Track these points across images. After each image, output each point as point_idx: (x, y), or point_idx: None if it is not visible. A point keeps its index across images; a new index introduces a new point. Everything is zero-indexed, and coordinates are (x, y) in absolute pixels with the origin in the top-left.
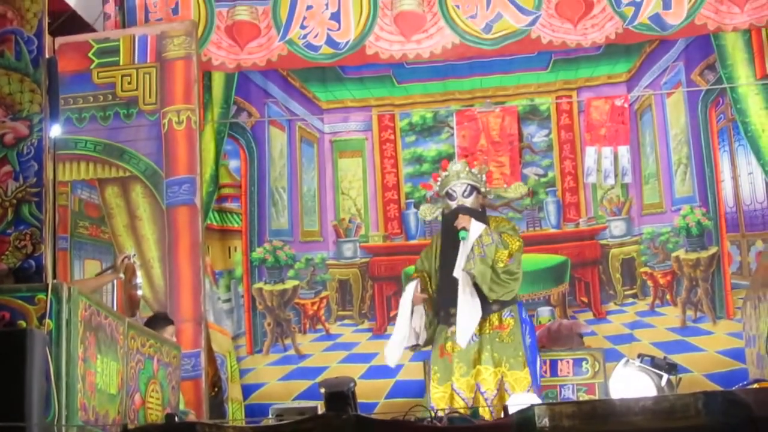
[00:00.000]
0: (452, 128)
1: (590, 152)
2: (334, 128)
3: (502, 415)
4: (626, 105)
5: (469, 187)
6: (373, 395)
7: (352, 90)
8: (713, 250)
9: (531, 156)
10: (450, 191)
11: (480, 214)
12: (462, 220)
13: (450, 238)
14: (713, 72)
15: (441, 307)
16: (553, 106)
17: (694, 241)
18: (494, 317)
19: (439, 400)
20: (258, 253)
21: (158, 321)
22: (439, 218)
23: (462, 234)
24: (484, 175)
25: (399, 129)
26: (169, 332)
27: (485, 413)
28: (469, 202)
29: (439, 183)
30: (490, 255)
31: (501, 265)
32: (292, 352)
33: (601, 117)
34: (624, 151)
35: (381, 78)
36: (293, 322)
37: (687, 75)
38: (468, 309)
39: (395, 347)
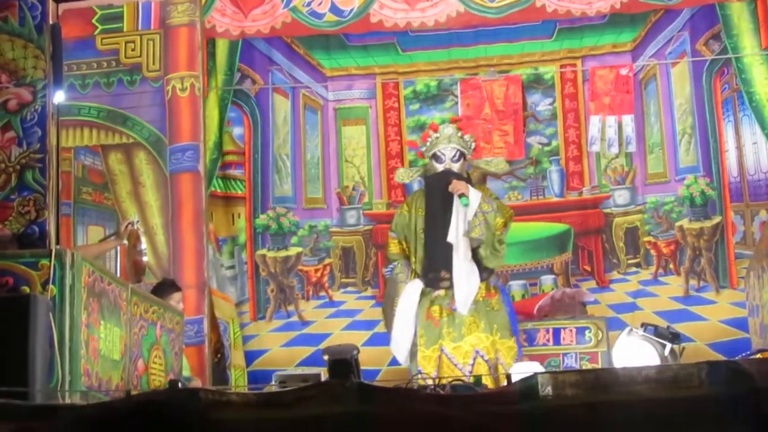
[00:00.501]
0: (456, 96)
1: (594, 121)
2: (338, 96)
3: (505, 383)
4: (631, 74)
5: (458, 153)
6: (376, 362)
7: (357, 58)
8: (717, 219)
9: (535, 125)
10: (439, 153)
11: (468, 181)
12: (459, 186)
13: (438, 200)
14: (718, 42)
15: (429, 269)
16: (557, 74)
17: (697, 211)
18: (483, 286)
19: (425, 362)
20: (261, 219)
21: (166, 287)
22: (416, 181)
23: (464, 200)
24: (473, 143)
25: (403, 97)
26: (176, 299)
27: (488, 381)
28: (456, 167)
29: (428, 143)
30: (491, 222)
31: (498, 233)
32: (295, 318)
33: (605, 86)
34: (628, 120)
35: (385, 46)
36: (296, 288)
37: (692, 45)
38: (467, 276)
39: (404, 344)
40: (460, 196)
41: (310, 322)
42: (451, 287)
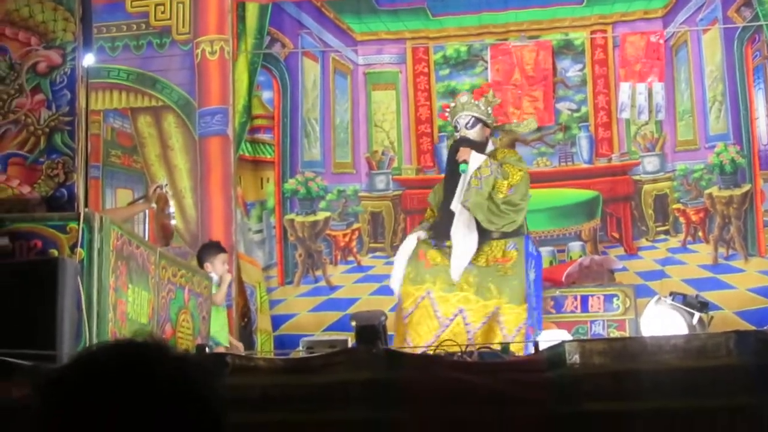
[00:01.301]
0: (486, 62)
1: (624, 88)
2: (368, 60)
3: (533, 351)
4: (661, 41)
5: (472, 119)
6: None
7: (387, 22)
8: (746, 187)
9: (564, 91)
10: (455, 123)
11: (481, 145)
12: (462, 153)
13: (450, 169)
14: (750, 9)
15: (436, 235)
16: (587, 40)
17: (727, 179)
18: (496, 249)
19: (405, 297)
20: (290, 184)
21: (211, 249)
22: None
23: (462, 167)
24: (490, 108)
25: (433, 62)
26: (221, 260)
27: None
28: (472, 133)
29: (448, 115)
30: (488, 186)
31: (501, 195)
32: (323, 283)
33: (636, 53)
34: (658, 87)
35: (416, 10)
36: (324, 253)
37: (723, 12)
38: (462, 243)
39: (396, 277)
40: (461, 163)
41: (337, 287)
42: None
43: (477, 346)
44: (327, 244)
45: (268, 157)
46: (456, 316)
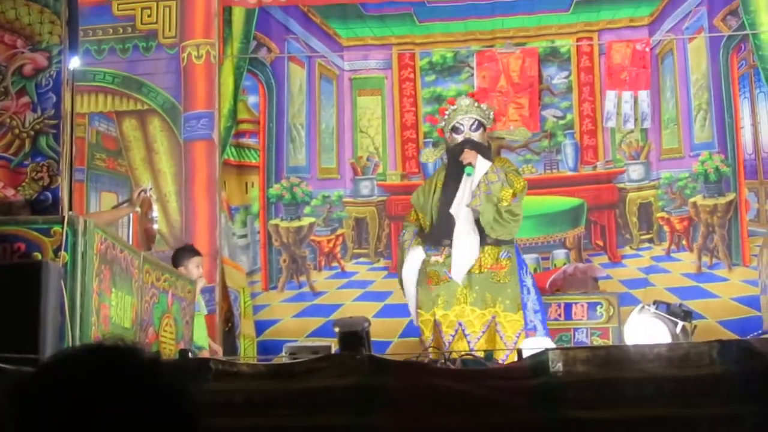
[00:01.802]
0: (472, 68)
1: (610, 96)
2: (354, 66)
3: (516, 359)
4: (647, 49)
5: (476, 122)
6: (387, 334)
7: (373, 28)
8: (731, 196)
9: (550, 98)
10: (457, 125)
11: (486, 150)
12: (468, 155)
13: (454, 170)
14: (736, 18)
15: (433, 237)
16: (573, 48)
17: (711, 187)
18: (489, 256)
19: (424, 326)
20: (275, 189)
21: (185, 252)
22: (442, 160)
23: (468, 170)
24: (491, 113)
25: (419, 68)
26: (195, 262)
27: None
28: (476, 136)
29: (446, 117)
30: (496, 193)
31: (504, 204)
32: (306, 289)
33: (622, 61)
34: (644, 95)
35: (402, 16)
36: (308, 259)
37: (709, 20)
38: (467, 246)
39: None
40: (467, 165)
41: (321, 292)
42: (449, 256)
43: (461, 353)
44: (311, 249)
45: (253, 161)
46: (456, 330)
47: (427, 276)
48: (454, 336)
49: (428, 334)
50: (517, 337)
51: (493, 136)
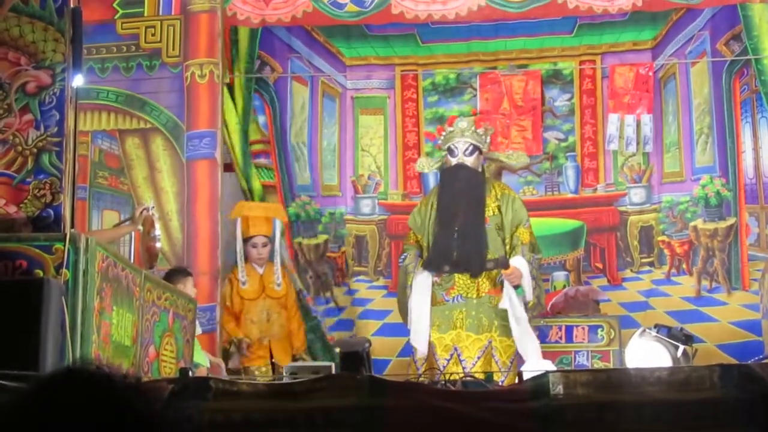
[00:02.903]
0: (475, 89)
1: (613, 119)
2: (357, 85)
3: (516, 381)
4: (650, 73)
5: (471, 146)
6: (386, 353)
7: (377, 48)
8: (731, 220)
9: (552, 120)
10: (452, 147)
11: (479, 175)
12: (513, 279)
13: (449, 194)
14: (739, 42)
15: (433, 264)
16: (576, 70)
17: (712, 212)
18: (488, 282)
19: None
20: (293, 208)
21: (177, 273)
22: (437, 177)
23: (519, 291)
24: (488, 137)
25: (422, 88)
26: (190, 283)
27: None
28: (469, 161)
29: (443, 137)
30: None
31: (528, 248)
32: (332, 304)
33: (625, 84)
34: (647, 119)
35: (405, 37)
36: (329, 275)
37: (712, 45)
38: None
39: (423, 334)
40: (517, 287)
41: (344, 307)
42: (448, 278)
43: (461, 375)
44: (329, 266)
45: (270, 181)
46: (452, 355)
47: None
48: (449, 360)
49: (442, 355)
50: (511, 362)
51: (491, 158)
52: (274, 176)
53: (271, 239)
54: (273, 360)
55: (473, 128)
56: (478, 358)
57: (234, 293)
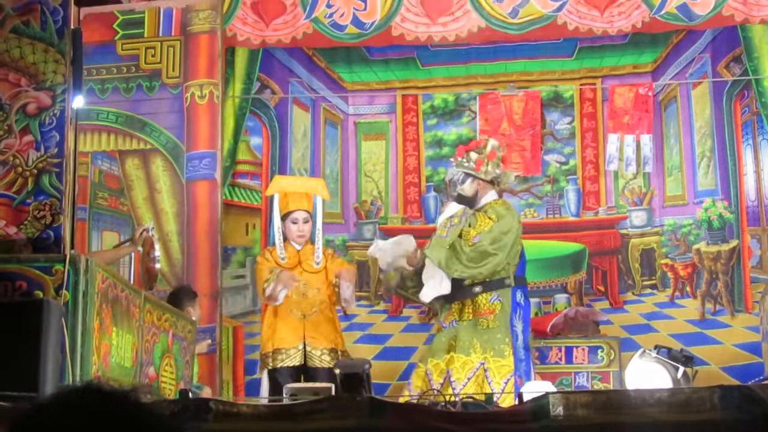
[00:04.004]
0: (473, 112)
1: (612, 139)
2: (359, 110)
3: (516, 402)
4: (650, 94)
5: (462, 175)
6: (386, 377)
7: (378, 72)
8: (734, 243)
9: (553, 143)
10: (454, 178)
11: (470, 200)
12: (444, 206)
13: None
14: (739, 64)
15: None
16: (576, 93)
17: (715, 234)
18: (480, 301)
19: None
20: None
21: (185, 295)
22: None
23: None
24: (472, 163)
25: (421, 112)
26: (198, 305)
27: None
28: (465, 188)
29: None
30: (454, 235)
31: (467, 244)
32: None
33: (624, 104)
34: (647, 139)
35: (405, 60)
36: None
37: (713, 67)
38: (432, 281)
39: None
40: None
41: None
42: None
43: (461, 396)
44: None
45: (255, 203)
46: (445, 378)
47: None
48: (442, 384)
49: (418, 384)
50: (505, 383)
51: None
52: (261, 199)
53: (312, 217)
54: (306, 344)
55: (458, 158)
56: (468, 379)
57: (270, 264)
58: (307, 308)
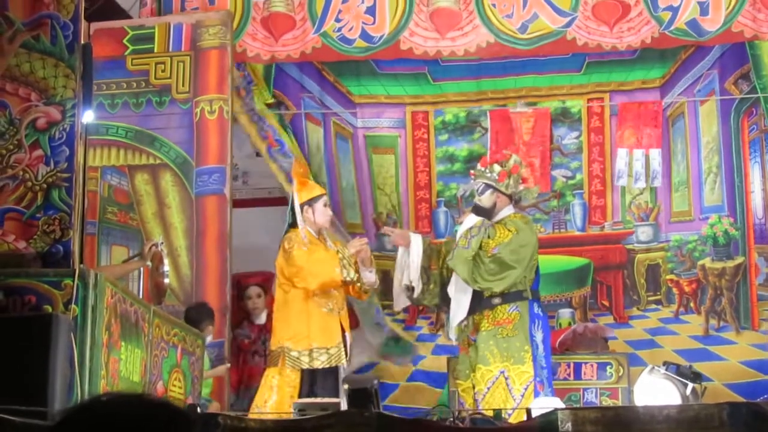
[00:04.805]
0: (484, 128)
1: (622, 154)
2: (367, 123)
3: (525, 418)
4: (659, 108)
5: (482, 185)
6: (396, 377)
7: (387, 86)
8: (740, 260)
9: (560, 158)
10: (474, 191)
11: (488, 211)
12: (462, 216)
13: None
14: (747, 82)
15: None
16: (584, 108)
17: (720, 251)
18: (499, 314)
19: (466, 393)
20: None
21: (204, 314)
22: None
23: (456, 228)
24: (495, 174)
25: (433, 127)
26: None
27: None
28: (483, 199)
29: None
30: (475, 246)
31: (487, 255)
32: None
33: (633, 119)
34: (655, 154)
35: (416, 75)
36: None
37: (721, 84)
38: (455, 303)
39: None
40: (457, 224)
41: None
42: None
43: (469, 412)
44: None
45: None
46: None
47: (462, 343)
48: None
49: (471, 402)
50: (525, 389)
51: (502, 188)
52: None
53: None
54: (345, 335)
55: (480, 168)
56: (488, 389)
57: (297, 249)
58: (341, 302)
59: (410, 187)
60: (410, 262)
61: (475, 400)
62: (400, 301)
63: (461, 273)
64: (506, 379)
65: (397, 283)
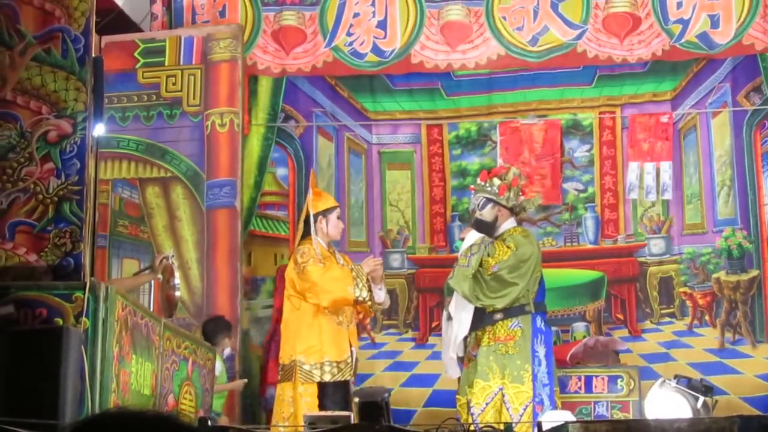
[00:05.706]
0: (494, 142)
1: (633, 167)
2: (382, 140)
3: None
4: (670, 121)
5: (483, 200)
6: (413, 403)
7: (401, 102)
8: (754, 273)
9: (572, 171)
10: (474, 206)
11: (489, 225)
12: (463, 232)
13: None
14: (759, 94)
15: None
16: (596, 121)
17: (734, 264)
18: (500, 330)
19: (461, 409)
20: None
21: (228, 324)
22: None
23: (457, 244)
24: (495, 188)
25: (447, 142)
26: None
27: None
28: (484, 213)
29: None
30: (475, 264)
31: (487, 273)
32: None
33: (644, 132)
34: (666, 166)
35: (430, 90)
36: None
37: (733, 96)
38: (455, 321)
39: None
40: (459, 240)
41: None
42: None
43: (481, 425)
44: None
45: (283, 234)
46: (469, 407)
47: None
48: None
49: (466, 417)
50: (524, 409)
51: (503, 201)
52: (288, 229)
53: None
54: (352, 349)
55: (480, 182)
56: (486, 404)
57: (312, 264)
58: (350, 316)
59: (426, 201)
60: (455, 336)
61: (471, 414)
62: (453, 372)
63: (462, 291)
64: (504, 397)
65: (446, 357)
